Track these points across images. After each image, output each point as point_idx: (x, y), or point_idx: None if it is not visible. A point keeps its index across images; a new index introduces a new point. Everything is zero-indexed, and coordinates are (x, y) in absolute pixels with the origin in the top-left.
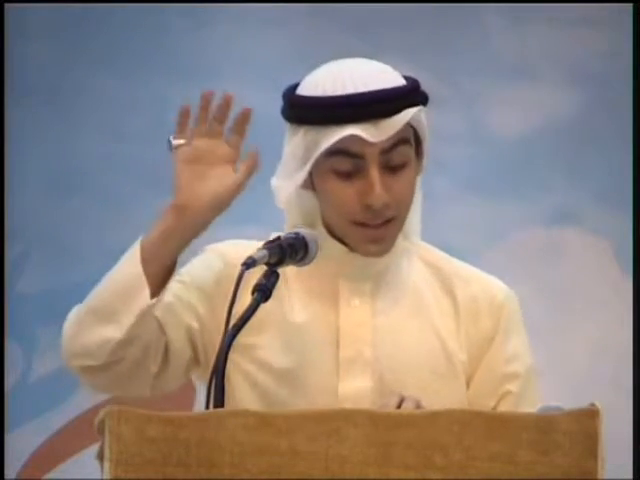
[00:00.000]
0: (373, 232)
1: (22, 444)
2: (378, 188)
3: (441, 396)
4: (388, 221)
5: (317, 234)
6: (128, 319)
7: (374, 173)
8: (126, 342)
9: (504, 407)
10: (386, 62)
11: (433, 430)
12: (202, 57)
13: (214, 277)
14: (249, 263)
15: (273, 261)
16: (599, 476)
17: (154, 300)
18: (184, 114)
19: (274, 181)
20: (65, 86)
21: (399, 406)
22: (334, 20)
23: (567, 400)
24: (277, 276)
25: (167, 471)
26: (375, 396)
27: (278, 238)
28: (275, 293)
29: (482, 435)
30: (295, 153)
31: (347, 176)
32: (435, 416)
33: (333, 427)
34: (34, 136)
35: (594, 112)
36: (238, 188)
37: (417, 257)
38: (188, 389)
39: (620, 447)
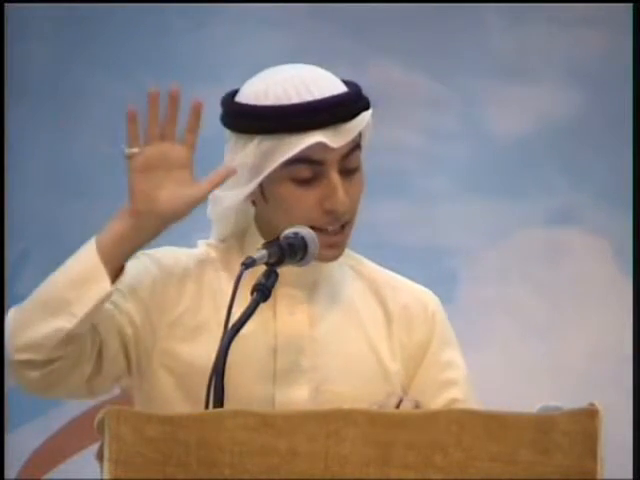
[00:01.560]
0: (331, 238)
1: (22, 444)
2: (341, 193)
3: None
4: (343, 226)
5: (315, 234)
6: (82, 309)
7: (336, 179)
8: (73, 336)
9: None
10: (386, 62)
11: (433, 430)
12: (202, 57)
13: (150, 285)
14: (248, 263)
15: (272, 261)
16: (599, 476)
17: (113, 287)
18: (132, 120)
19: (216, 191)
20: (65, 86)
21: (398, 406)
22: (334, 20)
23: (567, 400)
24: (276, 276)
25: (167, 471)
26: (310, 405)
27: (277, 238)
28: (220, 300)
29: (482, 435)
30: (246, 163)
31: (306, 183)
32: (434, 416)
33: (333, 427)
34: (34, 136)
35: (594, 112)
36: (196, 200)
37: (348, 267)
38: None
39: (620, 447)
